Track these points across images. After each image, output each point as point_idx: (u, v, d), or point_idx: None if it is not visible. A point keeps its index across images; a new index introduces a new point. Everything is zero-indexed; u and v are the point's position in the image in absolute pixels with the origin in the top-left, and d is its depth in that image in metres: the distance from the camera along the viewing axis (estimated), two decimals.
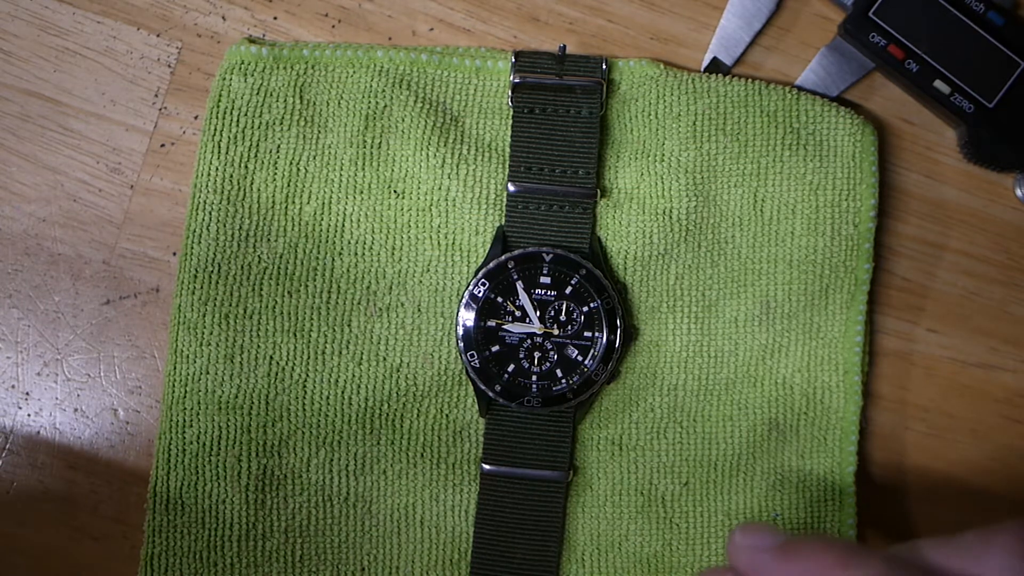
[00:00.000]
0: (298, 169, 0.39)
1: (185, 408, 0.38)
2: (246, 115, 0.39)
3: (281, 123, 0.39)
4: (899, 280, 0.42)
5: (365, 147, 0.39)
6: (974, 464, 0.42)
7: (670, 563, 0.39)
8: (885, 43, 0.39)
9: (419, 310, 0.39)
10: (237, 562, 0.38)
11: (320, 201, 0.39)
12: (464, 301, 0.38)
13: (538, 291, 0.38)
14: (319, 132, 0.39)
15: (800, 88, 0.40)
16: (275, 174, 0.39)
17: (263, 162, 0.39)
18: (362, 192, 0.39)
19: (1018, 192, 0.41)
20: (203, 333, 0.38)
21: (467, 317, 0.38)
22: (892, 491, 0.41)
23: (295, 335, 0.39)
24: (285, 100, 0.39)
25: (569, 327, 0.38)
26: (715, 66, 0.41)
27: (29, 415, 0.40)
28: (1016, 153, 0.40)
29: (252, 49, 0.39)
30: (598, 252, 0.39)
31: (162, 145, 0.41)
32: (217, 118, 0.39)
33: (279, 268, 0.39)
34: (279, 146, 0.39)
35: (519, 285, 0.38)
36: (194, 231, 0.38)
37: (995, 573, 0.28)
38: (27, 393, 0.40)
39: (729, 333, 0.39)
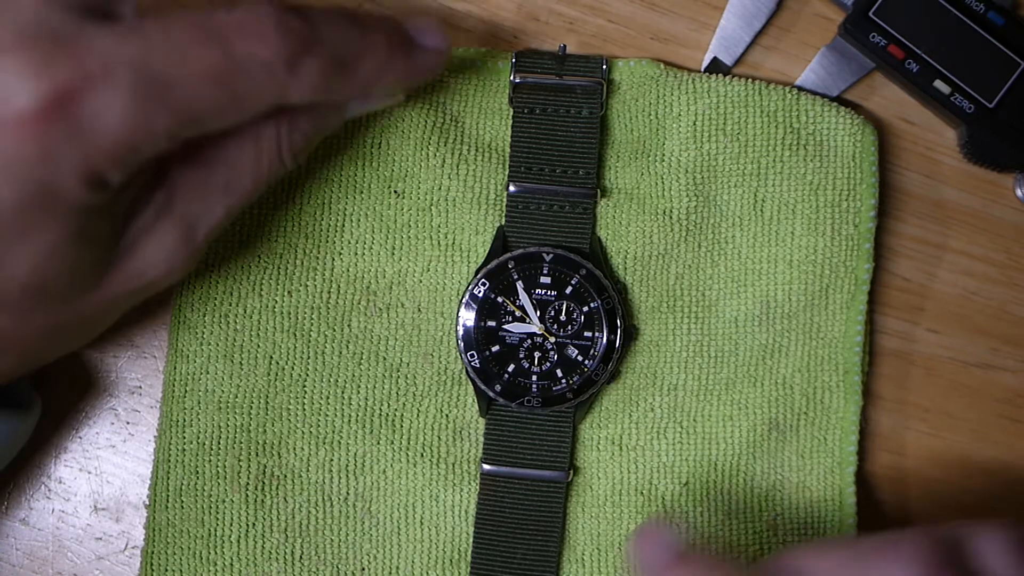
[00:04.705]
0: (297, 168, 0.39)
1: (185, 407, 0.38)
2: None
3: None
4: (899, 280, 0.42)
5: (364, 146, 0.39)
6: (974, 464, 0.42)
7: None
8: (885, 43, 0.39)
9: (419, 310, 0.39)
10: (236, 561, 0.38)
11: (319, 200, 0.39)
12: (464, 301, 0.38)
13: (538, 291, 0.38)
14: None
15: (800, 88, 0.40)
16: None
17: None
18: (361, 191, 0.39)
19: (1018, 192, 0.41)
20: (202, 332, 0.39)
21: (467, 317, 0.38)
22: (892, 491, 0.41)
23: (294, 334, 0.39)
24: None
25: (569, 327, 0.38)
26: (715, 66, 0.41)
27: None
28: (1016, 153, 0.40)
29: None
30: (598, 252, 0.39)
31: None
32: None
33: (278, 267, 0.39)
34: None
35: (519, 285, 0.38)
36: None
37: None
38: None
39: (729, 333, 0.39)
